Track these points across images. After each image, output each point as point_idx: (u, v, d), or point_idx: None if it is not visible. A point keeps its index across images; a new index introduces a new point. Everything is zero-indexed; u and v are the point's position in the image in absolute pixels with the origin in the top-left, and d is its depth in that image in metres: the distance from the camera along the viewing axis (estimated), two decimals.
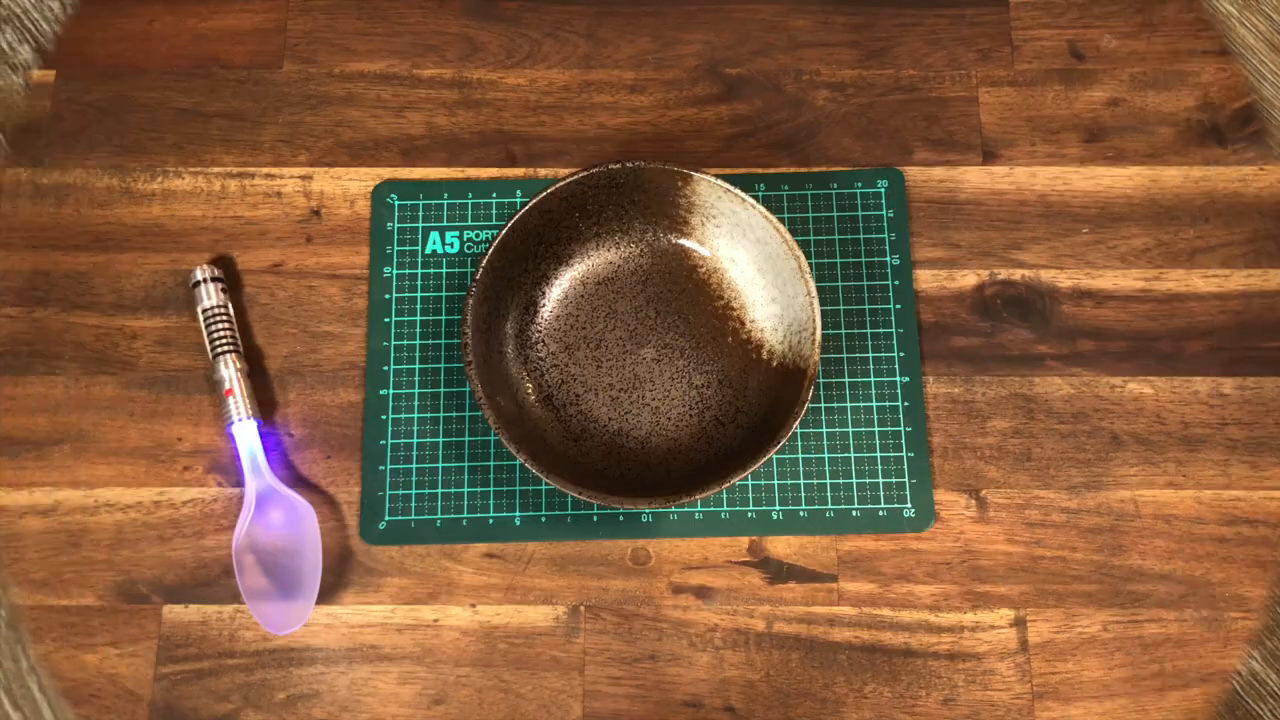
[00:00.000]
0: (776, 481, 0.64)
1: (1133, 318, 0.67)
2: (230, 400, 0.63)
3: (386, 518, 0.64)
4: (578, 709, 0.61)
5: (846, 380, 0.66)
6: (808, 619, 0.62)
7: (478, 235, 0.68)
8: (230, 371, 0.64)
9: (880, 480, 0.64)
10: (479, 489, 0.64)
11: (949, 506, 0.64)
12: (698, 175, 0.63)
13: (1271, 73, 0.65)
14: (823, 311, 0.66)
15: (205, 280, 0.66)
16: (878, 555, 0.63)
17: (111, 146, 0.70)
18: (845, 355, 0.66)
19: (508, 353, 0.65)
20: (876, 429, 0.65)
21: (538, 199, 0.63)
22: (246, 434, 0.63)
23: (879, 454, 0.65)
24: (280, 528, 0.63)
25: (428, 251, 0.68)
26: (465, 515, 0.64)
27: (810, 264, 0.66)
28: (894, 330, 0.67)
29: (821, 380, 0.66)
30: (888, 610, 0.63)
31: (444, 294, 0.67)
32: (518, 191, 0.69)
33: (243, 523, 0.62)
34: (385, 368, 0.66)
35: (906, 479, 0.64)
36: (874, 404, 0.66)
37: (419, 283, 0.68)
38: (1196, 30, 0.72)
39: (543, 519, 0.64)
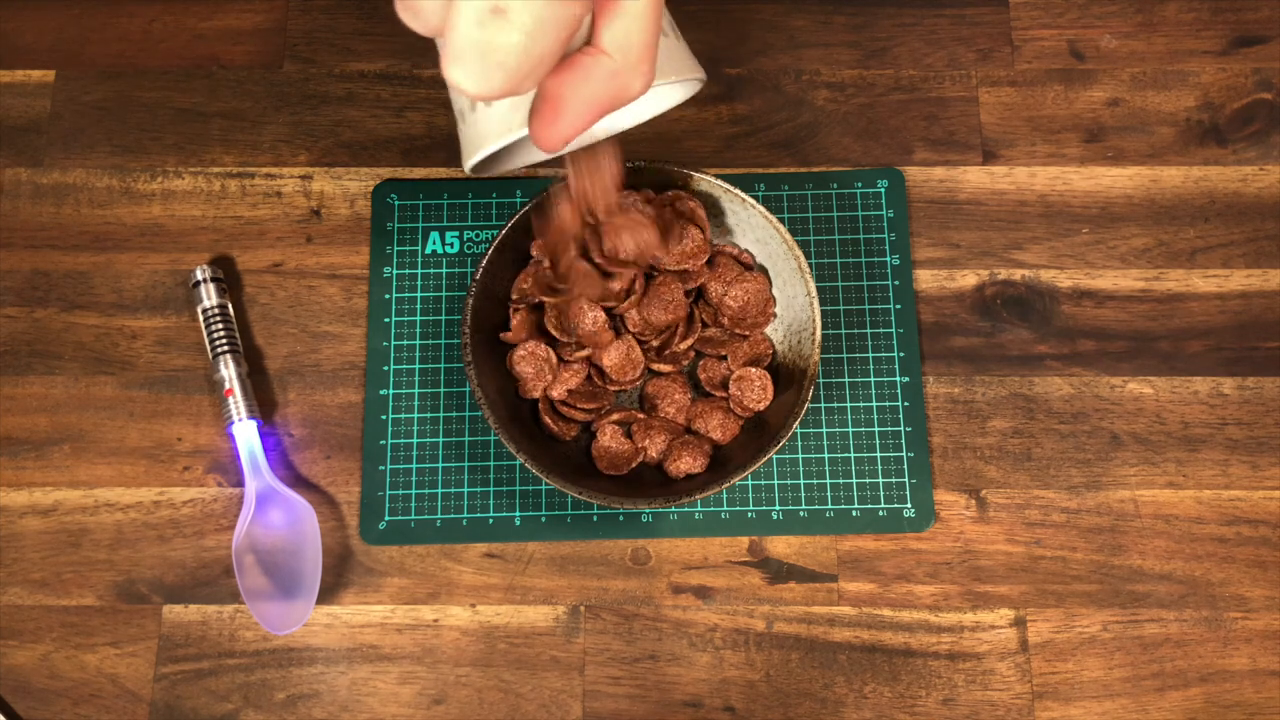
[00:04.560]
0: (776, 481, 0.64)
1: (1133, 318, 0.67)
2: (230, 400, 0.63)
3: (386, 518, 0.64)
4: (578, 709, 0.61)
5: (846, 380, 0.66)
6: (808, 619, 0.62)
7: (478, 235, 0.68)
8: (230, 371, 0.64)
9: (880, 480, 0.64)
10: (479, 489, 0.64)
11: (949, 506, 0.64)
12: (698, 175, 0.63)
13: None
14: (823, 311, 0.66)
15: (205, 280, 0.66)
16: (878, 555, 0.63)
17: (111, 146, 0.70)
18: (845, 355, 0.66)
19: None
20: (876, 429, 0.65)
21: (538, 199, 0.63)
22: (246, 434, 0.63)
23: (879, 454, 0.65)
24: (280, 528, 0.63)
25: (428, 251, 0.68)
26: (465, 515, 0.64)
27: (810, 264, 0.66)
28: (894, 330, 0.67)
29: (821, 380, 0.66)
30: (888, 610, 0.62)
31: (444, 294, 0.67)
32: (518, 191, 0.69)
33: (243, 523, 0.62)
34: (385, 368, 0.66)
35: (906, 479, 0.64)
36: (874, 404, 0.65)
37: (419, 283, 0.68)
38: (1196, 30, 0.72)
39: (543, 519, 0.64)
